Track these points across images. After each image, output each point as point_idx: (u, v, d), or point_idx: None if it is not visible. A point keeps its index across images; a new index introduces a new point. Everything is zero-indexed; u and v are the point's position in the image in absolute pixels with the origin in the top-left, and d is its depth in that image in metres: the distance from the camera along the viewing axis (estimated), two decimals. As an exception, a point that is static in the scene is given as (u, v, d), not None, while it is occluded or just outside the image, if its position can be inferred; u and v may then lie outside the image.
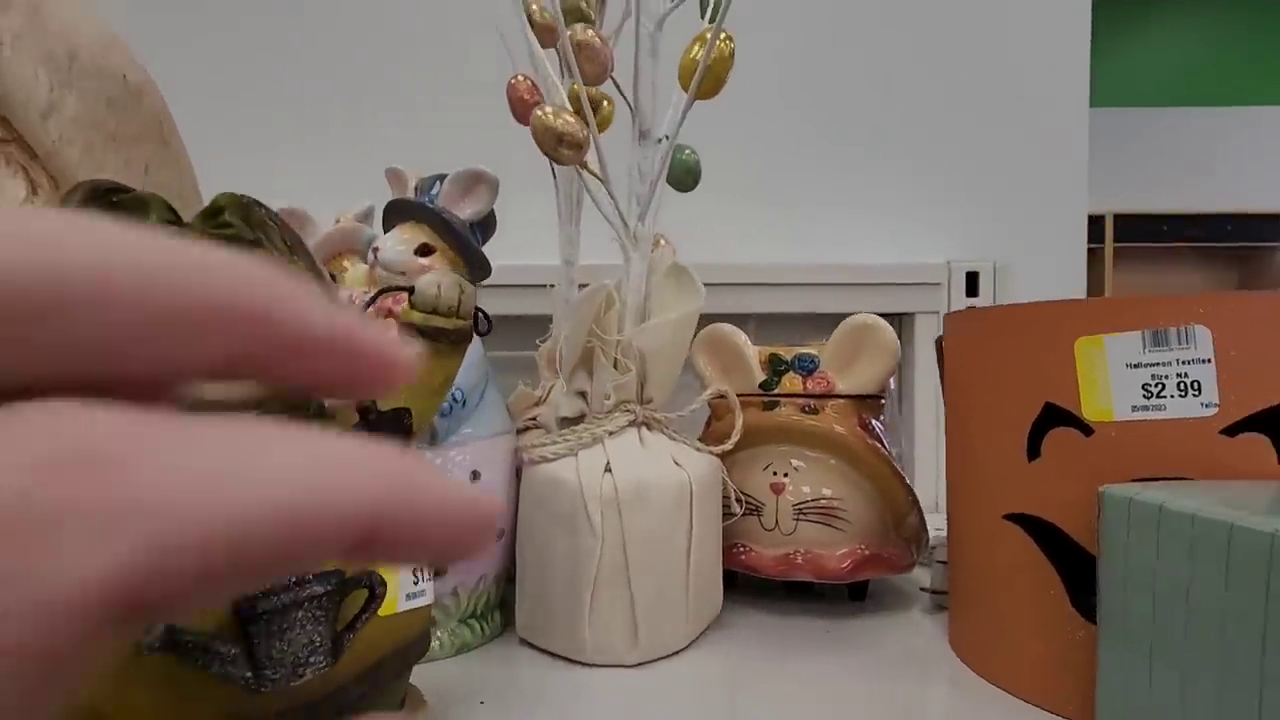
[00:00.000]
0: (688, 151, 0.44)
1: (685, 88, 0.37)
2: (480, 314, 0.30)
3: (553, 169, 0.50)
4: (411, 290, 0.29)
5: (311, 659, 0.21)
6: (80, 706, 0.16)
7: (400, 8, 0.71)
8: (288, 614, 0.21)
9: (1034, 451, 0.31)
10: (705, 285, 0.66)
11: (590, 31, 0.36)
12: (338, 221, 0.52)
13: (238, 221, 0.22)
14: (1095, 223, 2.77)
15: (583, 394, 0.40)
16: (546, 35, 0.43)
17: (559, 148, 0.36)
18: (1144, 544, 0.24)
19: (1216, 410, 0.27)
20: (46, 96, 0.26)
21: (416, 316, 0.28)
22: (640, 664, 0.35)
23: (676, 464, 0.37)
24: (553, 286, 0.51)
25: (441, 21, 0.70)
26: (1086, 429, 0.30)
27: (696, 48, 0.37)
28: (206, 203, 0.23)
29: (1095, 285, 2.85)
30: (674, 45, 0.40)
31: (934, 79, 0.72)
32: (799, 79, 0.72)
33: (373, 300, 0.31)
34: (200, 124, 0.66)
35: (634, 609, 0.35)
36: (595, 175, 0.38)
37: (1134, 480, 0.28)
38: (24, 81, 0.26)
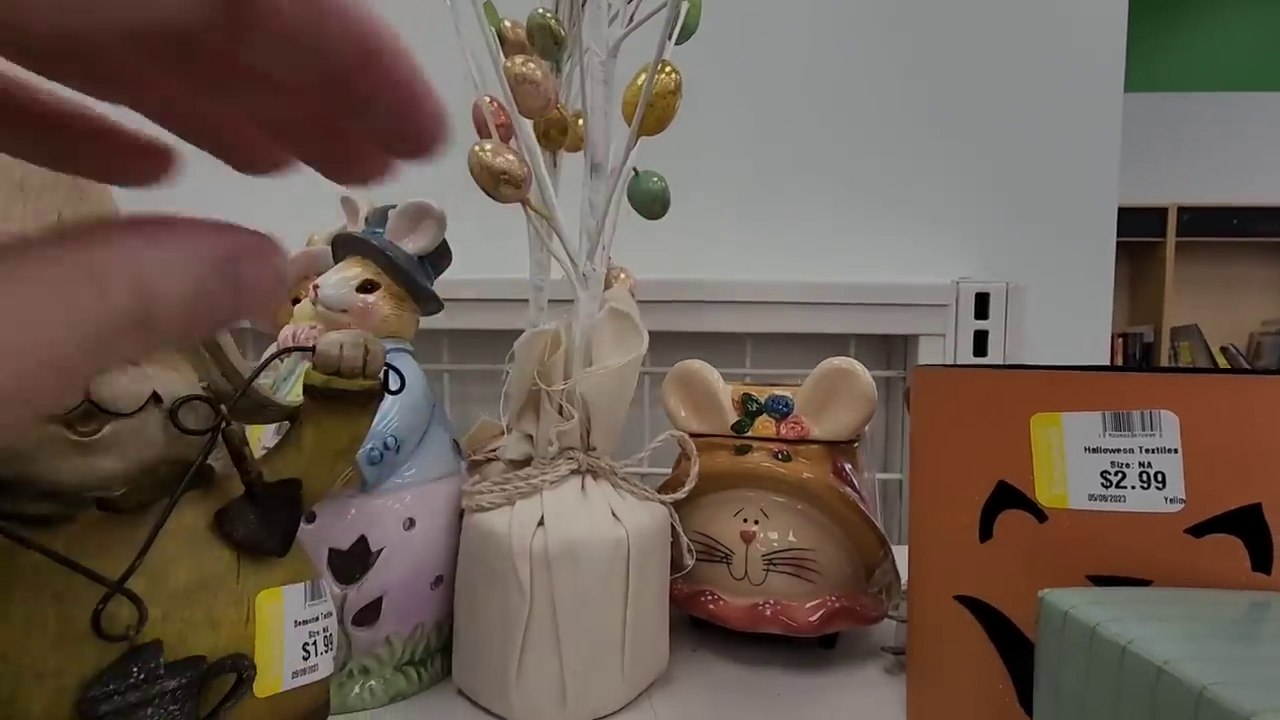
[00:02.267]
0: (654, 179, 0.42)
1: (628, 121, 0.35)
2: (390, 370, 0.29)
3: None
4: (313, 350, 0.27)
5: None
6: None
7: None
8: (135, 713, 0.20)
9: (986, 532, 0.29)
10: (702, 303, 0.64)
11: (530, 65, 0.34)
12: (309, 243, 0.52)
13: None
14: (1157, 214, 2.61)
15: (529, 437, 0.39)
16: (516, 53, 0.41)
17: (499, 186, 0.35)
18: (1075, 664, 0.22)
19: (1182, 506, 0.24)
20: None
21: (317, 379, 0.27)
22: (571, 727, 0.34)
23: (615, 518, 0.35)
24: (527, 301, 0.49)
25: (417, 37, 0.69)
26: (1040, 514, 0.27)
27: (641, 78, 0.34)
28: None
29: (1154, 281, 2.70)
30: (630, 74, 0.37)
31: (940, 80, 0.68)
32: (794, 84, 0.68)
33: (269, 360, 0.30)
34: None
35: (563, 670, 0.34)
36: (538, 212, 0.37)
37: (1089, 578, 0.26)
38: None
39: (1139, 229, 2.54)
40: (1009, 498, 0.28)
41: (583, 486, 0.36)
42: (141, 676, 0.20)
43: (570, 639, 0.34)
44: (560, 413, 0.37)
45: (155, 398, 0.22)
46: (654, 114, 0.34)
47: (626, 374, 0.36)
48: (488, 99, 0.41)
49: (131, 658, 0.20)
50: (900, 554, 0.39)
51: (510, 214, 0.50)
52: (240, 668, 0.23)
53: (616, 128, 0.38)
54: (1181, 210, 2.63)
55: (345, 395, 0.27)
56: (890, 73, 0.67)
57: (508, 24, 0.41)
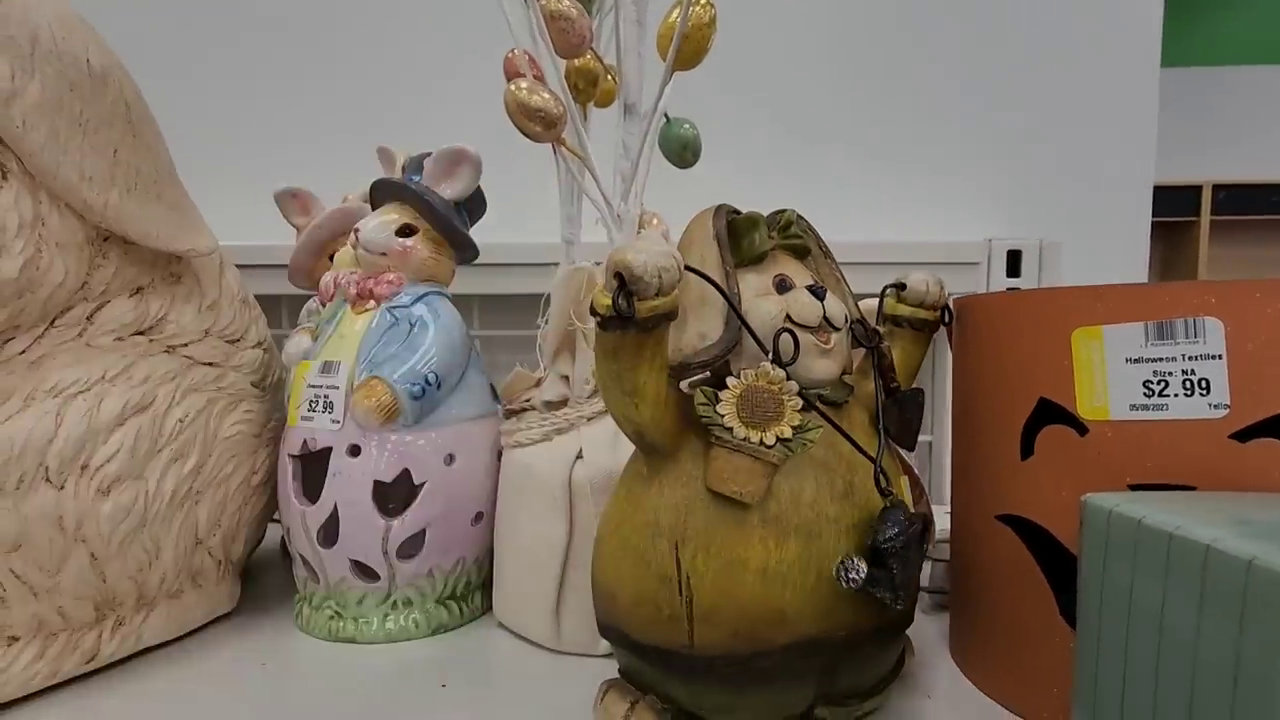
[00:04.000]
0: (685, 125, 0.42)
1: (663, 56, 0.35)
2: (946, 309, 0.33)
3: (553, 146, 0.49)
4: (902, 286, 0.32)
5: (916, 588, 0.26)
6: (770, 607, 0.24)
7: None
8: (904, 551, 0.24)
9: (1027, 449, 0.29)
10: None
11: (566, 2, 0.35)
12: (344, 201, 0.53)
13: (804, 231, 0.30)
14: (1191, 193, 2.54)
15: (565, 378, 0.39)
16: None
17: (531, 124, 0.35)
18: (1120, 560, 0.22)
19: (1227, 412, 0.24)
20: (9, 84, 0.27)
21: (904, 310, 0.32)
22: (610, 655, 0.35)
23: (652, 452, 0.36)
24: (557, 265, 0.50)
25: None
26: (1081, 427, 0.27)
27: (675, 13, 0.35)
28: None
29: (1188, 262, 2.63)
30: (661, 13, 0.38)
31: (971, 34, 0.67)
32: (824, 40, 0.67)
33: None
34: (203, 106, 0.68)
35: (602, 599, 0.34)
36: (573, 152, 0.37)
37: (1131, 486, 0.26)
38: (-15, 69, 0.26)
39: (1172, 208, 2.48)
40: (1050, 414, 0.28)
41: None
42: (906, 523, 0.24)
43: (609, 567, 0.34)
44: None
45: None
46: (690, 47, 0.34)
47: (662, 310, 0.37)
48: (518, 50, 0.41)
49: (895, 510, 0.25)
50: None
51: (537, 176, 0.50)
52: (930, 524, 0.27)
53: (650, 69, 0.39)
54: (1217, 188, 2.56)
55: (925, 324, 0.32)
56: (925, 33, 0.67)
57: None
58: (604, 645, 0.35)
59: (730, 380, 0.26)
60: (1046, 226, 0.68)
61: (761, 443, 0.25)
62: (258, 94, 0.70)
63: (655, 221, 0.46)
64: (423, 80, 0.69)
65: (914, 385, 0.33)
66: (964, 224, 0.67)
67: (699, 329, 0.27)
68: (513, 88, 0.35)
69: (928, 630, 0.38)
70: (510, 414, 0.46)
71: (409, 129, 0.62)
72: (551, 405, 0.40)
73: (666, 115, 0.40)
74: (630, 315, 0.23)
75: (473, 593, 0.40)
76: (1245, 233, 2.63)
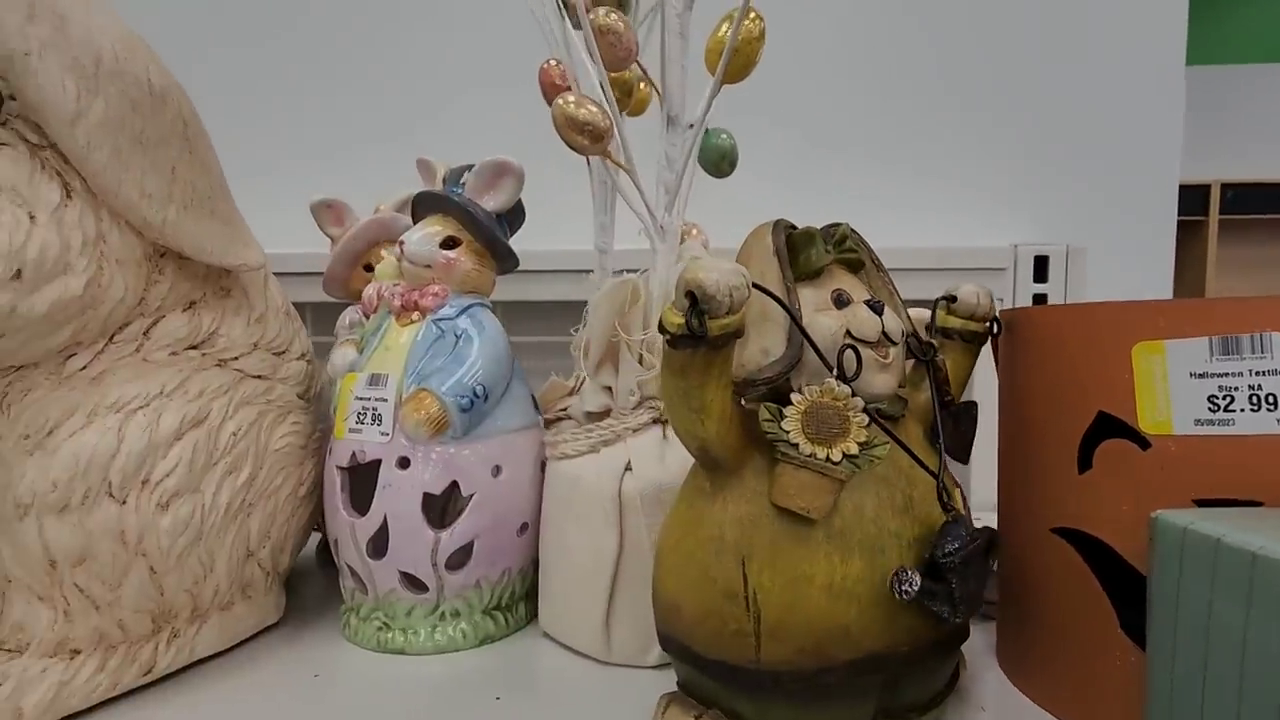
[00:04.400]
0: (723, 135, 0.42)
1: (712, 71, 0.35)
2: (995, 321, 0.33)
3: (586, 157, 0.49)
4: (952, 299, 0.32)
5: (980, 603, 0.26)
6: (836, 623, 0.24)
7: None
8: (964, 567, 0.25)
9: (1085, 463, 0.29)
10: (750, 271, 0.64)
11: (614, 15, 0.35)
12: (377, 211, 0.53)
13: (858, 245, 0.30)
14: (1199, 192, 2.53)
15: (608, 389, 0.40)
16: (579, 17, 0.41)
17: (579, 137, 0.35)
18: (1198, 580, 0.22)
19: (1296, 427, 0.24)
20: (74, 104, 0.27)
21: (955, 322, 0.32)
22: (660, 666, 0.35)
23: (699, 464, 0.36)
24: (591, 273, 0.50)
25: (478, 6, 0.69)
26: (1143, 441, 0.27)
27: (724, 27, 0.35)
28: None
29: (1196, 262, 2.62)
30: (705, 26, 0.38)
31: (998, 37, 0.67)
32: (845, 43, 0.68)
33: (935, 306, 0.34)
34: (236, 116, 0.68)
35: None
36: (619, 165, 0.37)
37: (1195, 501, 0.26)
38: (53, 90, 0.27)
39: (1180, 208, 2.47)
40: (1109, 428, 0.28)
41: (664, 434, 0.37)
42: (967, 538, 0.25)
43: (659, 579, 0.34)
44: (640, 362, 0.38)
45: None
46: (739, 60, 0.34)
47: (708, 322, 0.37)
48: (554, 61, 0.41)
49: (955, 526, 0.25)
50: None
51: (564, 184, 0.50)
52: (996, 539, 0.27)
53: (691, 81, 0.39)
54: (1225, 187, 2.55)
55: (976, 336, 0.33)
56: (948, 39, 0.67)
57: None
58: (654, 656, 0.35)
59: (795, 396, 0.26)
60: (1072, 231, 0.68)
61: (828, 459, 0.25)
62: (286, 104, 0.70)
63: (695, 233, 0.46)
64: (450, 90, 0.70)
65: (965, 399, 0.33)
66: (989, 230, 0.67)
67: (761, 345, 0.27)
68: (560, 102, 0.35)
69: (974, 642, 0.38)
70: (547, 424, 0.46)
71: (437, 138, 0.62)
72: (593, 416, 0.40)
73: (709, 129, 0.40)
74: (702, 334, 0.23)
75: (517, 603, 0.40)
76: (1254, 232, 2.62)
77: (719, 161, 0.43)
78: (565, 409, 0.47)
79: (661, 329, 0.24)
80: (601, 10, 0.35)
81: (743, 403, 0.27)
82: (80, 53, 0.27)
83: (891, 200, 0.67)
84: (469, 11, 0.70)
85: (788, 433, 0.25)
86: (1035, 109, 0.67)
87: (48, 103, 0.27)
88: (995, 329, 0.34)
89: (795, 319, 0.26)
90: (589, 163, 0.49)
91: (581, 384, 0.47)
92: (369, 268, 0.52)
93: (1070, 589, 0.29)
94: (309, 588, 0.46)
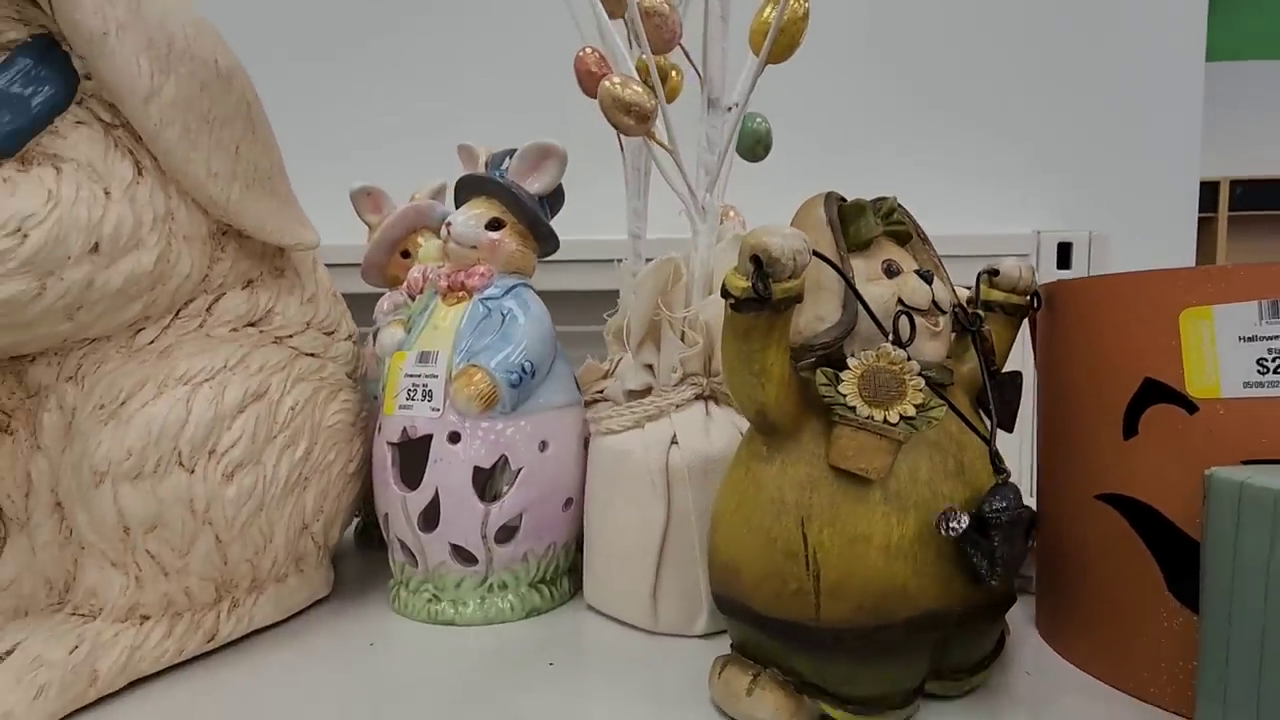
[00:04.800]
0: (758, 120, 0.43)
1: (756, 51, 0.36)
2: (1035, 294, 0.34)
3: (620, 143, 0.50)
4: (995, 273, 0.33)
5: (1019, 567, 0.26)
6: (893, 582, 0.25)
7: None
8: (1010, 528, 0.25)
9: (1130, 429, 0.29)
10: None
11: (659, -2, 0.36)
12: (412, 198, 0.54)
13: (905, 218, 0.31)
14: (1208, 189, 2.53)
15: (649, 367, 0.40)
16: (614, 5, 0.42)
17: (625, 118, 0.36)
18: (1256, 533, 0.22)
19: (1347, 387, 0.25)
20: (148, 83, 0.28)
21: (998, 295, 0.33)
22: (706, 635, 0.35)
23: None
24: (620, 261, 0.51)
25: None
26: (1190, 406, 0.27)
27: (769, 9, 0.35)
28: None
29: (1206, 258, 2.61)
30: (743, 9, 0.39)
31: (1022, 28, 0.67)
32: (871, 30, 0.68)
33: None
34: (274, 108, 0.69)
35: (702, 582, 0.35)
36: (663, 146, 0.38)
37: (1244, 463, 0.26)
38: (128, 69, 0.28)
39: (1191, 201, 2.46)
40: (1155, 393, 0.28)
41: (707, 410, 0.38)
42: (1015, 502, 0.26)
43: (706, 550, 0.35)
44: (683, 339, 0.38)
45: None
46: (783, 41, 0.35)
47: (751, 299, 0.37)
48: (590, 49, 0.42)
49: (1006, 489, 0.26)
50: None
51: (589, 174, 0.51)
52: (1036, 520, 0.27)
53: (731, 63, 0.40)
54: (1234, 184, 2.55)
55: (1019, 309, 0.33)
56: (972, 28, 0.67)
57: None
58: (700, 625, 0.36)
59: (851, 361, 0.26)
60: (1094, 218, 0.68)
61: (885, 420, 0.25)
62: (315, 96, 0.71)
63: (732, 214, 0.46)
64: (478, 82, 0.71)
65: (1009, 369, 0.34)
66: (1013, 217, 0.68)
67: (816, 312, 0.27)
68: (607, 84, 0.36)
69: (1012, 613, 0.38)
70: (586, 404, 0.47)
71: (466, 130, 0.63)
72: (634, 394, 0.40)
73: (738, 106, 0.41)
74: (767, 296, 0.24)
75: (561, 577, 0.40)
76: (1263, 228, 2.61)
77: (754, 145, 0.44)
78: (602, 390, 0.47)
79: (725, 293, 0.25)
80: (646, -7, 0.36)
81: (798, 368, 0.28)
82: (154, 34, 0.28)
83: (915, 188, 0.68)
84: (494, 4, 0.71)
85: (845, 396, 0.26)
86: (1058, 99, 0.68)
87: (123, 82, 0.28)
88: (1035, 302, 0.34)
89: (851, 285, 0.27)
90: (622, 150, 0.50)
91: (616, 366, 0.48)
92: (405, 254, 0.53)
93: (1116, 554, 0.30)
94: (350, 567, 0.47)
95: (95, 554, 0.30)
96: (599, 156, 0.51)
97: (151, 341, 0.31)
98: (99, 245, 0.27)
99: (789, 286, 0.24)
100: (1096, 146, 0.68)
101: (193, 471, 0.30)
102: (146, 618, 0.31)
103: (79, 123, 0.28)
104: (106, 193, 0.28)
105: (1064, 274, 0.66)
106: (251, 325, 0.35)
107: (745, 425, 0.38)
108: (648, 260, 0.45)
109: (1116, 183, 0.68)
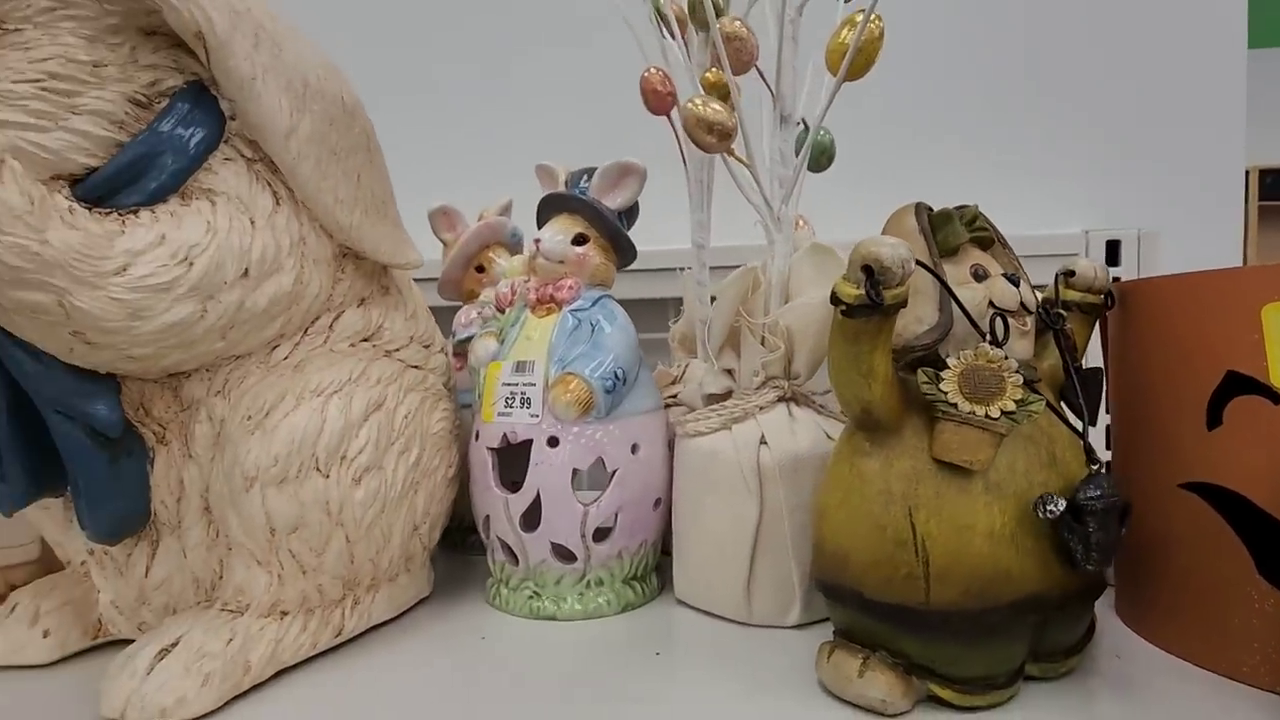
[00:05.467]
0: (823, 132, 0.45)
1: (833, 71, 0.38)
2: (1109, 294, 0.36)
3: (682, 157, 0.52)
4: (1071, 274, 0.35)
5: (1114, 553, 0.27)
6: (998, 567, 0.27)
7: (523, 8, 0.74)
8: (1104, 515, 0.27)
9: (1215, 420, 0.31)
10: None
11: (738, 23, 0.38)
12: (482, 216, 0.56)
13: (988, 225, 0.34)
14: (1237, 179, 2.49)
15: (728, 371, 0.42)
16: (678, 27, 0.45)
17: (708, 136, 0.38)
18: (1353, 510, 0.24)
19: None
20: (288, 121, 0.31)
21: (1074, 295, 0.35)
22: (799, 625, 0.37)
23: (828, 436, 0.38)
24: (685, 270, 0.52)
25: (565, 18, 0.73)
26: (1276, 396, 0.29)
27: (846, 31, 0.37)
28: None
29: (1237, 249, 2.58)
30: (808, 29, 0.41)
31: (1064, 27, 0.69)
32: (913, 38, 0.70)
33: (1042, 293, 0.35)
34: None
35: (794, 574, 0.37)
36: (741, 161, 0.40)
37: (1332, 448, 0.27)
38: (271, 109, 0.30)
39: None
40: (1239, 385, 0.30)
41: (790, 412, 0.40)
42: (1109, 491, 0.27)
43: (799, 545, 0.37)
44: (763, 344, 0.40)
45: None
46: (860, 60, 0.37)
47: (830, 306, 0.39)
48: (654, 69, 0.44)
49: (1100, 478, 0.27)
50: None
51: (650, 187, 0.53)
52: (1130, 508, 0.28)
53: (801, 82, 0.42)
54: (1264, 173, 2.52)
55: (1095, 308, 0.35)
56: (1013, 25, 0.69)
57: (665, 1, 0.45)
58: (792, 617, 0.37)
59: (950, 360, 0.28)
60: (1141, 215, 0.69)
61: (987, 415, 0.27)
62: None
63: (803, 224, 0.48)
64: (531, 98, 0.73)
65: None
66: (1061, 216, 0.69)
67: (915, 314, 0.29)
68: (690, 104, 0.38)
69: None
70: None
71: (536, 143, 0.66)
72: (714, 398, 0.42)
73: (804, 123, 0.43)
74: (879, 302, 0.25)
75: (650, 574, 0.42)
76: (1296, 217, 2.58)
77: (819, 157, 0.46)
78: (674, 395, 0.49)
79: (835, 300, 0.27)
80: (726, 19, 0.38)
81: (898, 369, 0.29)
82: (292, 76, 0.31)
83: (964, 191, 0.69)
84: (549, 29, 0.73)
85: (946, 393, 0.28)
86: (1101, 96, 0.69)
87: (267, 121, 0.30)
88: (1109, 301, 0.36)
89: (949, 289, 0.28)
90: (685, 165, 0.52)
91: (684, 372, 0.50)
92: (479, 269, 0.55)
93: (1202, 540, 0.31)
94: (439, 568, 0.50)
95: (243, 554, 0.32)
96: (655, 169, 0.53)
97: (286, 357, 0.34)
98: (248, 270, 0.30)
99: (898, 293, 0.26)
100: (1143, 145, 0.69)
101: (328, 476, 0.32)
102: (286, 613, 0.33)
103: (227, 159, 0.31)
104: (252, 222, 0.31)
105: (1115, 272, 0.67)
106: (365, 340, 0.37)
107: (827, 426, 0.40)
108: (711, 269, 0.47)
109: (1163, 180, 0.69)
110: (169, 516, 0.33)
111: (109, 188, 0.28)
